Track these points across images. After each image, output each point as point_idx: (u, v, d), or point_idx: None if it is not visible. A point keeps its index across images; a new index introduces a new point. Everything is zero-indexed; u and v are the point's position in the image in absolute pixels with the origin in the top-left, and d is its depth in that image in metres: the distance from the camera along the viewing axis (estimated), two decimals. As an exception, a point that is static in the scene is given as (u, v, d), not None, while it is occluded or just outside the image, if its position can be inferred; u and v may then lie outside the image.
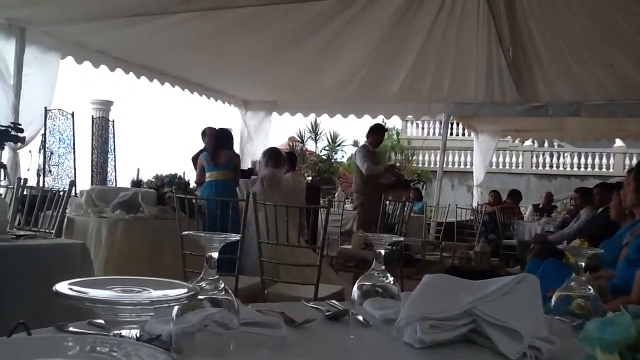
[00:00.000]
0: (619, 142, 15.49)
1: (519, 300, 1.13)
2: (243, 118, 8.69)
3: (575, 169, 16.79)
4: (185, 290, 0.54)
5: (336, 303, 1.43)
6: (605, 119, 8.15)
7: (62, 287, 0.52)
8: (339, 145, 16.24)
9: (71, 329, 1.05)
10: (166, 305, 0.52)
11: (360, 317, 1.18)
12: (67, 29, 5.29)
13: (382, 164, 7.07)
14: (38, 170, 6.00)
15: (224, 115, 8.66)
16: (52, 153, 6.26)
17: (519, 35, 5.59)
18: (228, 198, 4.68)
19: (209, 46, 6.02)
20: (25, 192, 4.10)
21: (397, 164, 7.36)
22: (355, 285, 1.21)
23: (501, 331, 1.07)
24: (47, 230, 3.77)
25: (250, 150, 8.45)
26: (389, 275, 1.21)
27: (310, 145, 16.01)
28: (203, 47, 6.04)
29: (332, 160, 15.99)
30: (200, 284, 0.91)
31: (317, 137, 15.83)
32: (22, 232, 3.27)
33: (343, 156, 17.23)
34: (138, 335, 0.53)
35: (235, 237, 0.99)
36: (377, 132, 6.87)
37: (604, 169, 16.47)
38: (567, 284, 1.36)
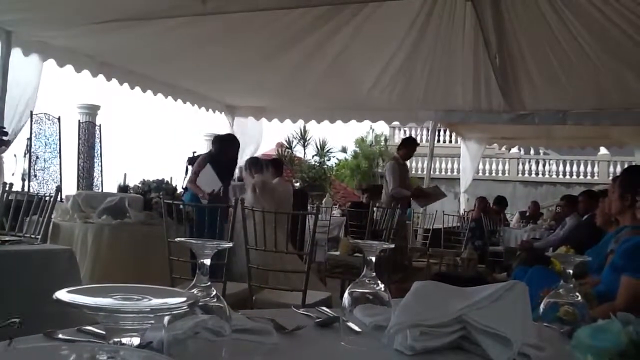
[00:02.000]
0: (603, 150, 15.67)
1: (509, 307, 1.14)
2: (230, 124, 8.68)
3: (561, 176, 16.96)
4: (185, 298, 0.54)
5: (327, 310, 1.44)
6: (590, 127, 8.23)
7: (62, 294, 0.51)
8: (327, 151, 16.28)
9: (60, 336, 1.04)
10: (167, 313, 0.52)
11: (351, 324, 1.18)
12: (53, 33, 5.25)
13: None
14: (23, 175, 5.94)
15: (211, 120, 8.65)
16: (37, 157, 6.20)
17: (506, 43, 5.64)
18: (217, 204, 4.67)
19: (196, 52, 6.01)
20: (10, 197, 4.06)
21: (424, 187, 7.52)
22: (346, 292, 1.21)
23: (491, 338, 1.08)
24: (32, 236, 3.73)
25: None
26: (379, 282, 1.22)
27: (298, 152, 16.03)
28: (190, 53, 6.03)
29: (325, 167, 16.03)
30: (193, 290, 0.91)
31: (306, 144, 15.85)
32: (7, 238, 3.23)
33: (336, 163, 17.30)
34: (137, 343, 0.52)
35: (228, 244, 0.99)
36: (408, 146, 6.99)
37: (588, 177, 16.65)
38: (555, 290, 1.37)
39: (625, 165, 12.76)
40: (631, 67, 5.71)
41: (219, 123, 8.74)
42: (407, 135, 18.72)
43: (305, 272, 3.33)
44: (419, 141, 18.47)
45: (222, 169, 5.62)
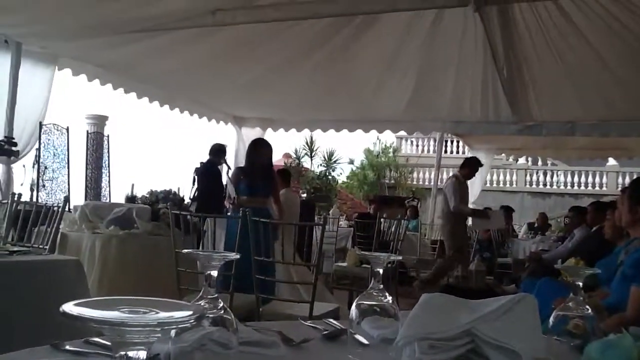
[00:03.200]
0: (612, 161, 15.60)
1: (518, 320, 1.12)
2: (238, 135, 8.71)
3: (569, 187, 16.88)
4: (191, 312, 0.54)
5: (334, 322, 1.43)
6: (598, 138, 8.20)
7: (69, 307, 0.51)
8: (334, 162, 16.29)
9: (68, 347, 1.04)
10: (174, 327, 0.52)
11: (358, 337, 1.17)
12: (62, 44, 5.30)
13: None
14: (32, 185, 5.97)
15: (219, 131, 8.68)
16: (46, 168, 6.23)
17: (513, 54, 5.63)
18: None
19: (205, 64, 6.05)
20: (18, 207, 4.07)
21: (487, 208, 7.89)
22: (354, 304, 1.20)
23: (500, 351, 1.07)
24: (40, 246, 3.74)
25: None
26: (387, 294, 1.21)
27: (306, 162, 16.05)
28: (198, 65, 6.07)
29: (330, 177, 16.04)
30: (200, 302, 0.91)
31: (313, 154, 15.87)
32: (15, 248, 3.24)
33: (341, 173, 17.30)
34: (144, 356, 0.52)
35: (234, 255, 0.98)
36: (471, 166, 7.18)
37: (597, 188, 16.56)
38: (565, 304, 1.35)
39: (635, 176, 12.69)
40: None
41: (226, 134, 8.78)
42: (415, 145, 18.74)
43: (312, 284, 3.31)
44: (426, 152, 18.54)
45: (254, 179, 4.85)
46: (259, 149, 5.00)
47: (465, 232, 7.20)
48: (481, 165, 7.32)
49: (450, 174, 8.01)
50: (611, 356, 0.75)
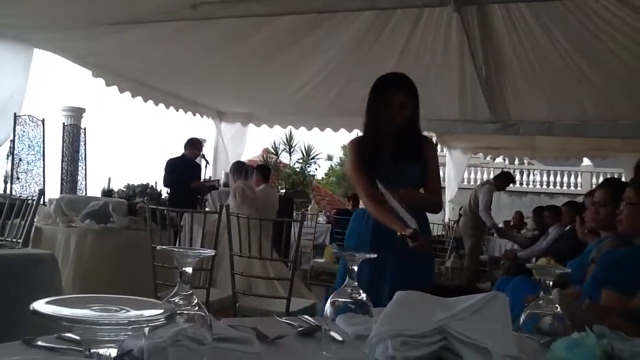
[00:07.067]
0: (586, 161, 15.86)
1: (490, 318, 1.15)
2: (217, 129, 8.66)
3: (545, 186, 17.12)
4: (162, 310, 0.55)
5: (309, 318, 1.44)
6: (574, 139, 8.33)
7: (39, 305, 0.51)
8: (312, 158, 16.30)
9: (39, 343, 1.03)
10: (144, 325, 0.53)
11: (333, 333, 1.18)
12: (39, 35, 5.21)
13: None
14: (5, 177, 5.89)
15: (198, 125, 8.63)
16: (20, 160, 6.14)
17: (492, 54, 5.68)
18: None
19: (185, 57, 6.00)
20: (-8, 200, 4.02)
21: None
22: (328, 301, 1.21)
23: (472, 349, 1.09)
24: (14, 240, 3.69)
25: (224, 162, 8.42)
26: (361, 291, 1.22)
27: (284, 158, 16.04)
28: (179, 58, 6.02)
29: (306, 173, 16.05)
30: (174, 299, 0.91)
31: (292, 150, 15.87)
32: (-12, 241, 3.20)
33: (317, 169, 17.32)
34: (114, 354, 0.52)
35: (209, 252, 0.99)
36: (506, 180, 7.85)
37: (572, 187, 16.84)
38: (536, 302, 1.38)
39: (608, 176, 12.91)
40: (615, 82, 5.79)
41: (206, 127, 8.74)
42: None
43: (289, 280, 3.32)
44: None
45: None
46: (389, 97, 2.75)
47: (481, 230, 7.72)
48: (514, 181, 7.86)
49: (484, 178, 8.50)
50: (576, 354, 0.77)
